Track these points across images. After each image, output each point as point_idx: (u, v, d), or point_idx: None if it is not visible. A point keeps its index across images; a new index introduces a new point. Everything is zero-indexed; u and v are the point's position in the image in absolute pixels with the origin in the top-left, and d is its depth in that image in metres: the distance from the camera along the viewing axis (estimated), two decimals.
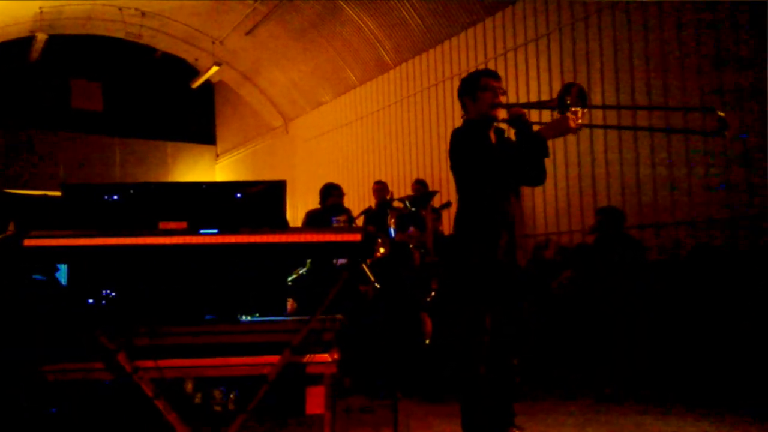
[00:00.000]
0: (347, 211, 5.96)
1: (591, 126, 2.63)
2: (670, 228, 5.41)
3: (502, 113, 2.79)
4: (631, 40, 5.74)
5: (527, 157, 2.67)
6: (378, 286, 3.94)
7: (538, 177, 2.80)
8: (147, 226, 2.30)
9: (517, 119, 2.71)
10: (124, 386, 2.23)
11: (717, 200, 5.05)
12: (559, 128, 2.56)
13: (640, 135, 5.63)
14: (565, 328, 5.08)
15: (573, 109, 2.53)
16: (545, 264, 5.68)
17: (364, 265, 3.87)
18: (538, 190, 6.40)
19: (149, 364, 2.21)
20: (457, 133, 2.83)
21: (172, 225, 2.38)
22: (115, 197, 2.41)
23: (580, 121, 2.53)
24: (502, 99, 2.78)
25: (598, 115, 6.00)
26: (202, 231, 2.38)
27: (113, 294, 2.42)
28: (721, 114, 2.52)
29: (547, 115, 2.70)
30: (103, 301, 2.40)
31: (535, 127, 2.70)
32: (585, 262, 5.34)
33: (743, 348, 4.14)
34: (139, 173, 13.54)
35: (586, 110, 2.54)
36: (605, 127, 2.69)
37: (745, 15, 4.84)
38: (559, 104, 2.55)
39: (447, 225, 6.02)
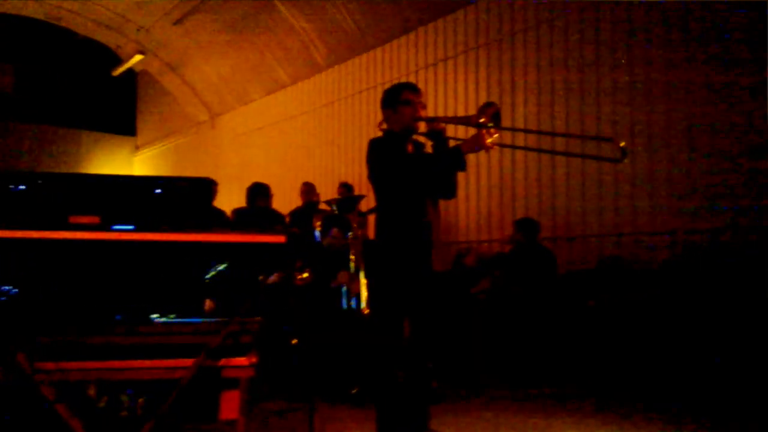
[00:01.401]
0: (280, 217, 5.86)
1: (501, 146, 2.77)
2: (579, 240, 5.71)
3: (422, 126, 2.87)
4: (552, 56, 6.04)
5: (443, 171, 2.78)
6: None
7: (450, 191, 2.91)
8: (56, 220, 2.18)
9: (437, 134, 2.80)
10: (24, 389, 2.10)
11: (625, 216, 5.38)
12: (476, 143, 2.68)
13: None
14: (484, 333, 5.24)
15: (488, 124, 2.64)
16: (466, 271, 5.84)
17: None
18: (462, 199, 6.57)
19: (51, 366, 2.09)
20: (375, 143, 2.87)
21: (83, 219, 2.26)
22: (22, 187, 2.26)
23: (490, 140, 2.64)
24: (422, 112, 2.86)
25: (517, 134, 6.26)
26: (115, 227, 2.28)
27: (15, 290, 2.28)
28: (622, 144, 2.70)
29: (462, 131, 2.82)
30: (4, 298, 2.25)
31: (452, 143, 2.82)
32: (502, 270, 5.54)
33: (648, 350, 4.42)
34: (50, 163, 12.76)
35: (496, 130, 2.67)
36: (513, 147, 2.86)
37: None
38: (475, 120, 2.66)
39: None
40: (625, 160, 2.69)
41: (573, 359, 4.78)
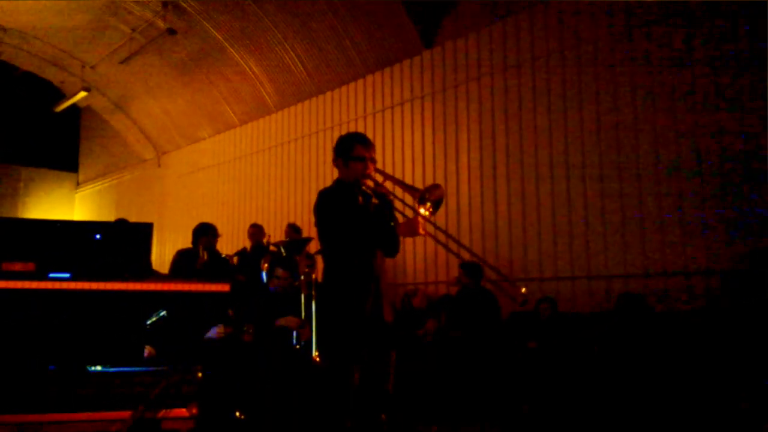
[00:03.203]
0: (226, 261, 5.76)
1: (431, 236, 2.95)
2: (521, 283, 5.90)
3: (371, 182, 2.93)
4: (493, 107, 6.31)
5: (382, 235, 2.85)
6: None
7: (391, 251, 2.97)
8: None
9: (382, 196, 2.87)
10: None
11: (561, 263, 5.62)
12: (411, 229, 2.81)
13: (500, 200, 6.15)
14: (430, 374, 5.25)
15: (427, 204, 2.75)
16: (413, 312, 5.89)
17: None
18: (409, 241, 6.67)
19: None
20: (325, 193, 2.91)
21: (17, 266, 2.20)
22: None
23: (422, 218, 2.75)
24: (372, 167, 2.92)
25: (464, 171, 6.46)
26: (51, 275, 2.23)
27: None
28: (524, 290, 2.88)
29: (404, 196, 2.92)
30: None
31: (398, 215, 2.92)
32: (448, 311, 5.61)
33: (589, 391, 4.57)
34: None
35: (431, 209, 2.78)
36: (447, 249, 3.04)
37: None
38: (420, 195, 2.75)
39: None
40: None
41: (516, 399, 4.86)
